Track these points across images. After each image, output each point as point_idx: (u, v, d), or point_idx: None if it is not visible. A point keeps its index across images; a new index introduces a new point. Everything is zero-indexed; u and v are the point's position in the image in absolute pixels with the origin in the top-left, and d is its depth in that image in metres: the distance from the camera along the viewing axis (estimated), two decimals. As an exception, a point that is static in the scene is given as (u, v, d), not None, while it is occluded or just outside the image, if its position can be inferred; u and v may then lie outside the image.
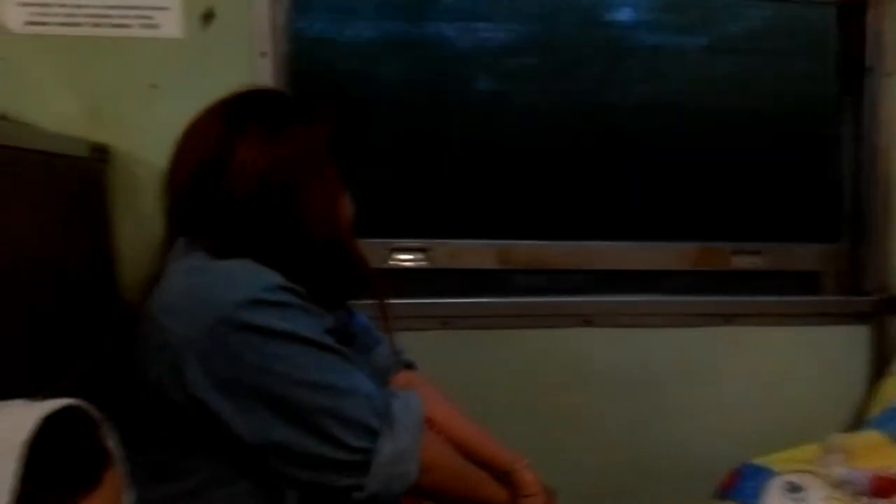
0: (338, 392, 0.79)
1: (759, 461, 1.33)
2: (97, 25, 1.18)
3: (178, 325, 0.76)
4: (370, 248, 1.12)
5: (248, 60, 1.22)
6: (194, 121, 0.90)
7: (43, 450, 0.45)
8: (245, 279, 0.79)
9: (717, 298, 1.55)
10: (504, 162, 1.51)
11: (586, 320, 1.46)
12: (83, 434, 0.50)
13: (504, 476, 0.96)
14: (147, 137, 1.16)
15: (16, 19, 1.16)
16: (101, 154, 1.16)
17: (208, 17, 1.21)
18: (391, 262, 1.44)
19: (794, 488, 1.23)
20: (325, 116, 0.93)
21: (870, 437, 1.37)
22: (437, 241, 1.46)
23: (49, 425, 0.46)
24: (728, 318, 1.51)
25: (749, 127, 1.59)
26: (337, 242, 0.90)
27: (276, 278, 0.80)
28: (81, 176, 1.11)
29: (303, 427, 0.78)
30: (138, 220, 1.18)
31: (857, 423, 1.51)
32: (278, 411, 0.77)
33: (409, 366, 1.11)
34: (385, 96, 1.46)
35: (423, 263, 1.45)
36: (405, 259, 1.45)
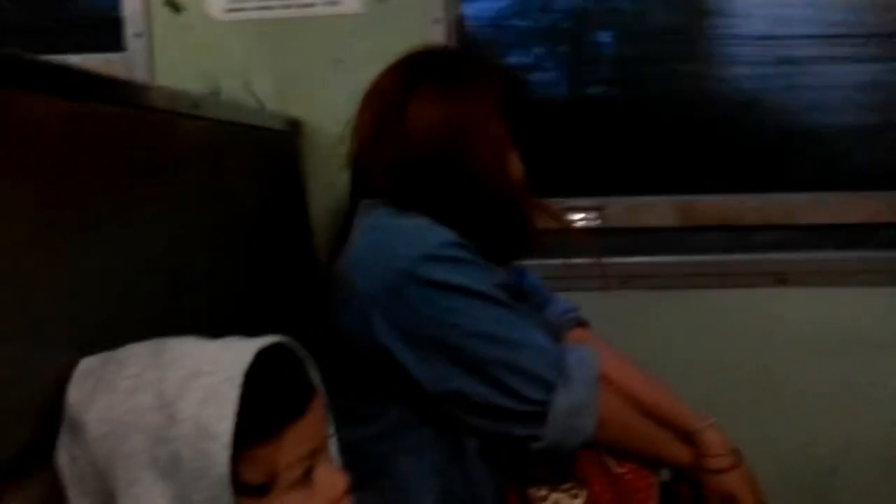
0: (512, 344, 0.81)
1: None
2: (287, 7, 1.28)
3: (363, 280, 0.82)
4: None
5: (423, 28, 1.26)
6: (371, 86, 0.95)
7: (258, 379, 0.51)
8: (422, 236, 0.83)
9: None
10: (684, 110, 1.41)
11: (780, 279, 1.35)
12: (291, 367, 0.56)
13: (688, 436, 0.92)
14: (333, 109, 1.24)
15: (218, 7, 1.28)
16: (294, 127, 1.26)
17: (384, -11, 1.26)
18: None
19: None
20: (495, 75, 0.93)
21: None
22: (612, 198, 1.41)
23: (263, 359, 0.52)
24: (954, 276, 1.32)
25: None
26: (506, 200, 0.91)
27: (450, 235, 0.83)
28: (279, 147, 1.22)
29: (479, 377, 0.80)
30: (327, 185, 1.27)
31: None
32: (456, 362, 0.80)
33: (582, 325, 1.10)
34: (557, 53, 1.43)
35: (596, 223, 1.41)
36: (579, 218, 1.42)
